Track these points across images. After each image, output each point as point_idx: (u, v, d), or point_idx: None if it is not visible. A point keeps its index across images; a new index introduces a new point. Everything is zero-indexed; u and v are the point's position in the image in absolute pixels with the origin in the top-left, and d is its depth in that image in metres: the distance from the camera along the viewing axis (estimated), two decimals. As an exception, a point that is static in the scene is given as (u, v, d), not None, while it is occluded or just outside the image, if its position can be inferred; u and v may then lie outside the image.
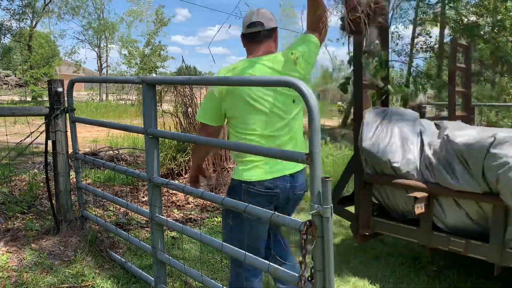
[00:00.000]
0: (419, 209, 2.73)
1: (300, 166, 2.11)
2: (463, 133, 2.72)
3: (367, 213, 3.14)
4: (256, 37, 2.18)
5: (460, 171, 2.62)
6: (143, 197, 4.75)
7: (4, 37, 27.02)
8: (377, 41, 3.34)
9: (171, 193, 4.84)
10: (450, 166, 2.68)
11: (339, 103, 20.29)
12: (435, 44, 17.22)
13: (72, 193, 3.48)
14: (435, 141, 2.93)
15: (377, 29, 3.19)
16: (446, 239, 2.78)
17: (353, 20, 2.34)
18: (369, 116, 3.18)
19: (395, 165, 2.90)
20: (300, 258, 1.62)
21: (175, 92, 5.86)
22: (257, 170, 2.03)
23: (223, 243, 2.02)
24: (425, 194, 2.76)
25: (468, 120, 4.07)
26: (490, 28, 12.72)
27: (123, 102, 25.02)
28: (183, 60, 6.29)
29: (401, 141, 2.99)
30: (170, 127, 5.84)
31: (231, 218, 2.09)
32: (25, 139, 3.54)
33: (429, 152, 2.88)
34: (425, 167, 2.85)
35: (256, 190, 2.02)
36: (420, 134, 3.05)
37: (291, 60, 2.13)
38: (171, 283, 2.71)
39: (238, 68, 2.13)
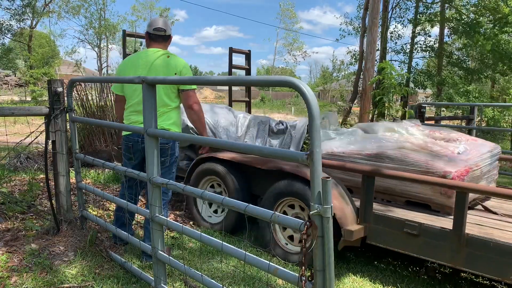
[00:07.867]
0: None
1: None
2: None
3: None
4: (157, 38, 3.05)
5: None
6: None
7: (4, 37, 26.97)
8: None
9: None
10: None
11: (339, 102, 20.26)
12: (434, 43, 17.18)
13: (72, 193, 3.48)
14: None
15: None
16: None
17: None
18: None
19: None
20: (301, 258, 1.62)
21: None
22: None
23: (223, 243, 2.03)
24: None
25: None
26: (491, 25, 12.62)
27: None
28: None
29: None
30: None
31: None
32: (25, 139, 3.54)
33: None
34: None
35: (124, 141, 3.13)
36: None
37: (169, 69, 2.91)
38: (171, 283, 2.71)
39: (134, 55, 3.12)
